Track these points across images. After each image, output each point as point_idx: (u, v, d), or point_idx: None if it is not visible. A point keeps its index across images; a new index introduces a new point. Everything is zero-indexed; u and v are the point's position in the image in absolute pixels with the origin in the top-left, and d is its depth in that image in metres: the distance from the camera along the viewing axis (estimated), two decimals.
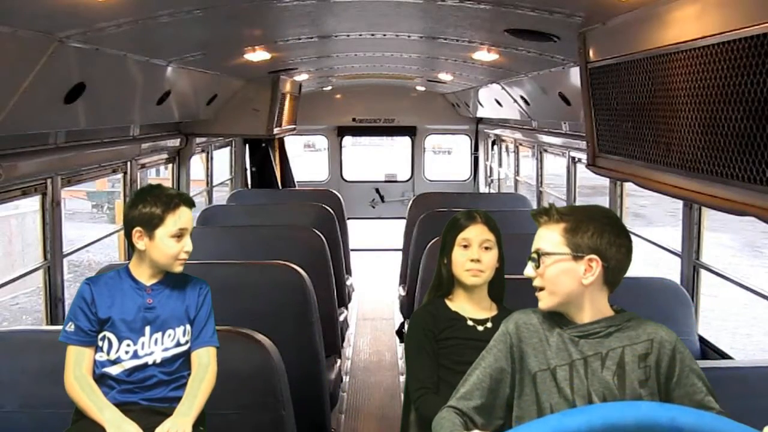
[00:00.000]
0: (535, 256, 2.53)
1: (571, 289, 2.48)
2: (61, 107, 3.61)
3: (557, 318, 2.55)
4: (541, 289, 2.53)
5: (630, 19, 3.01)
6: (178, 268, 2.99)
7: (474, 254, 3.34)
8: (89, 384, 2.90)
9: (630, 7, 2.93)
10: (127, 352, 2.93)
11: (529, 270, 2.54)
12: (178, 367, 3.00)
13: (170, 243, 2.94)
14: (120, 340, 2.93)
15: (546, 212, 2.55)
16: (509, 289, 3.45)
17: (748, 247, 20.70)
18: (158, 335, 2.97)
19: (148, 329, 2.96)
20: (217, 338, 3.06)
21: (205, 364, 3.00)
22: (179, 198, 3.00)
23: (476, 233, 3.37)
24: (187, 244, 2.97)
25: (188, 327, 3.02)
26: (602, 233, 2.47)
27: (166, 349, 2.97)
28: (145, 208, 2.93)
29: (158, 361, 2.96)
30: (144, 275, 3.01)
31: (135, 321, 2.95)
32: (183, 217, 2.96)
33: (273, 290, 4.45)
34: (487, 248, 3.36)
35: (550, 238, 2.51)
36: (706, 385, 2.44)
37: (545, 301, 2.52)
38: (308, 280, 4.50)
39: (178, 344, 2.99)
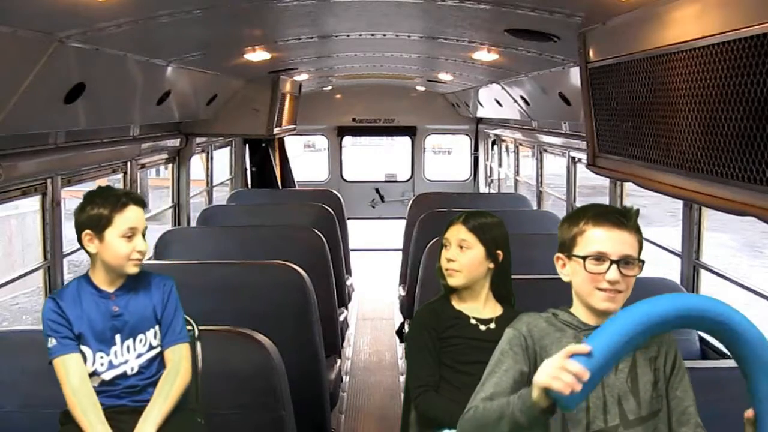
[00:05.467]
0: (632, 261, 2.41)
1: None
2: (61, 107, 3.61)
3: (563, 321, 2.53)
4: (619, 291, 2.44)
5: (630, 19, 3.01)
6: (132, 269, 2.91)
7: (449, 254, 3.34)
8: (89, 398, 2.84)
9: (630, 7, 2.93)
10: (102, 364, 2.90)
11: (615, 274, 2.40)
12: (157, 368, 2.97)
13: (120, 243, 2.87)
14: (93, 353, 2.89)
15: (627, 215, 2.44)
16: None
17: (748, 247, 20.69)
18: (129, 342, 2.92)
19: (118, 338, 2.91)
20: (186, 333, 3.02)
21: (175, 362, 2.96)
22: (127, 197, 2.92)
23: (453, 233, 3.36)
24: (138, 243, 2.89)
25: (158, 328, 2.98)
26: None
27: (139, 355, 2.94)
28: (92, 210, 2.87)
29: (135, 369, 2.92)
30: (104, 281, 2.94)
31: (104, 331, 2.90)
32: (132, 217, 2.89)
33: (273, 290, 4.45)
34: (463, 248, 3.34)
35: (632, 244, 2.42)
36: (691, 388, 2.46)
37: (619, 306, 2.43)
38: (308, 280, 4.50)
39: (151, 347, 2.96)
